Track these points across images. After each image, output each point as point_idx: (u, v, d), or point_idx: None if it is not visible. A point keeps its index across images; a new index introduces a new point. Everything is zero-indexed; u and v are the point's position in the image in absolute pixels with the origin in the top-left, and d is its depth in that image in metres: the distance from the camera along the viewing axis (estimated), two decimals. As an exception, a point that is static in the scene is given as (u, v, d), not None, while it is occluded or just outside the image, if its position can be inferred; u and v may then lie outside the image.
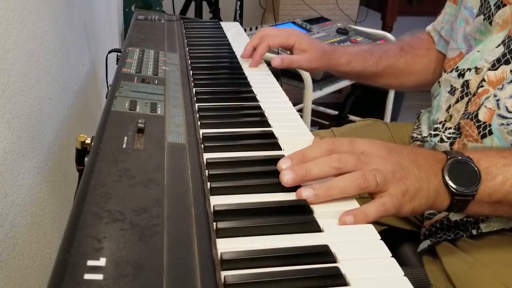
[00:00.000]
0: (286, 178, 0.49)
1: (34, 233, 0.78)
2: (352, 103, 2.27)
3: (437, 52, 0.92)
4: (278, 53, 0.97)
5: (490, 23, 0.72)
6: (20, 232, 0.71)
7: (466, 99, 0.72)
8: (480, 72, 0.70)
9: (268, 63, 0.92)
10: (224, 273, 0.38)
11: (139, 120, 0.56)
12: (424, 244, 0.72)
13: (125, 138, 0.53)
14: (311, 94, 1.76)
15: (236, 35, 1.12)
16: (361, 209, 0.48)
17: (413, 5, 2.51)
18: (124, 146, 0.52)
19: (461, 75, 0.75)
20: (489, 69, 0.68)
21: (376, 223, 0.48)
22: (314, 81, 1.79)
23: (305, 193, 0.49)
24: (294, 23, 2.02)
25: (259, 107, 0.72)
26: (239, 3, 2.17)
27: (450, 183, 0.52)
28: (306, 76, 1.72)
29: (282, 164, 0.51)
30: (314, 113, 2.21)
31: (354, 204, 0.49)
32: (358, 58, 0.93)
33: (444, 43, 0.90)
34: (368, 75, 0.96)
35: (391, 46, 0.98)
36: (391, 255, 0.43)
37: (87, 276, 0.34)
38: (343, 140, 0.54)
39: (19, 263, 0.71)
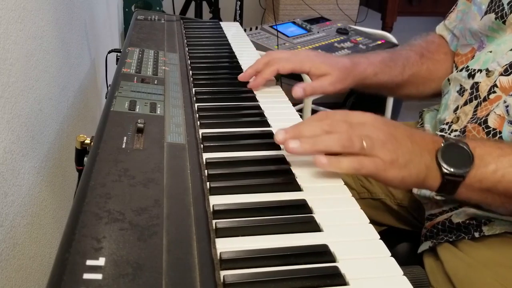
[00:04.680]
0: (280, 137, 0.53)
1: (34, 233, 0.78)
2: (352, 103, 2.27)
3: (453, 56, 0.88)
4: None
5: (504, 22, 0.70)
6: (20, 232, 0.72)
7: (475, 102, 0.70)
8: (492, 75, 0.69)
9: None
10: (223, 273, 0.38)
11: (139, 120, 0.56)
12: (425, 246, 0.71)
13: (125, 138, 0.53)
14: (311, 94, 1.76)
15: (236, 35, 1.12)
16: (337, 158, 0.52)
17: (413, 5, 2.50)
18: (123, 146, 0.52)
19: (471, 75, 0.73)
20: (502, 74, 0.67)
21: (376, 223, 0.48)
22: (314, 81, 1.78)
23: (292, 144, 0.52)
24: (294, 23, 2.02)
25: (258, 107, 0.72)
26: (239, 3, 2.17)
27: (442, 162, 0.54)
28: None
29: (279, 129, 0.56)
30: (314, 113, 2.20)
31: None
32: (384, 68, 0.86)
33: (457, 43, 0.87)
34: (393, 86, 0.88)
35: (410, 53, 0.90)
36: (390, 254, 0.43)
37: (86, 276, 0.34)
38: (337, 111, 0.57)
39: (19, 263, 0.71)
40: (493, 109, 0.66)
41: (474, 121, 0.68)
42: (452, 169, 0.54)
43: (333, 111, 0.57)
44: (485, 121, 0.66)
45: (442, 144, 0.55)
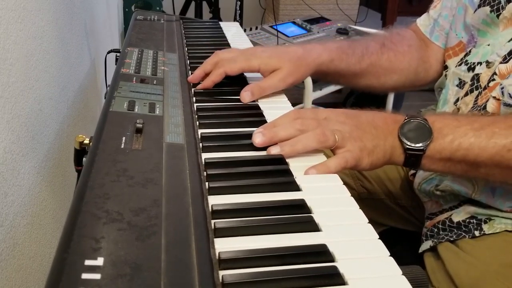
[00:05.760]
0: (258, 140, 0.58)
1: (34, 233, 0.78)
2: (352, 103, 2.28)
3: (418, 50, 0.87)
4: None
5: (498, 16, 0.70)
6: (20, 232, 0.72)
7: (476, 92, 0.70)
8: (492, 66, 0.69)
9: None
10: (222, 273, 0.38)
11: (138, 120, 0.56)
12: (426, 245, 0.71)
13: (124, 138, 0.53)
14: (311, 94, 1.77)
15: (236, 35, 1.12)
16: (323, 162, 0.56)
17: (413, 5, 2.50)
18: (122, 146, 0.52)
19: (471, 68, 0.73)
20: (501, 63, 0.67)
21: (376, 223, 0.48)
22: (314, 81, 1.79)
23: (274, 150, 0.57)
24: (294, 23, 2.02)
25: (258, 107, 0.72)
26: (239, 3, 2.17)
27: (403, 139, 0.59)
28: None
29: (256, 130, 0.59)
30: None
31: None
32: (341, 55, 0.82)
33: (439, 33, 0.86)
34: (351, 74, 0.85)
35: (370, 42, 0.87)
36: (389, 254, 0.43)
37: (85, 276, 0.34)
38: (307, 110, 0.63)
39: (19, 263, 0.71)
40: (491, 94, 0.66)
41: (475, 109, 0.68)
42: (412, 144, 0.59)
43: (302, 109, 0.62)
44: (484, 107, 0.66)
45: (403, 122, 0.60)
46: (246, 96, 0.73)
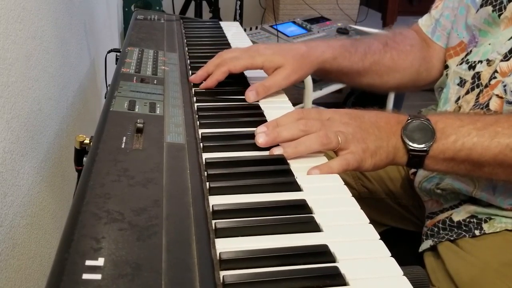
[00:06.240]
0: (261, 140, 0.58)
1: (34, 233, 0.78)
2: (352, 103, 2.27)
3: (420, 50, 0.87)
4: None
5: (499, 16, 0.71)
6: (19, 232, 0.71)
7: (477, 90, 0.71)
8: (492, 64, 0.69)
9: None
10: (223, 273, 0.38)
11: (138, 120, 0.56)
12: (426, 244, 0.71)
13: (124, 138, 0.53)
14: (311, 94, 1.77)
15: (236, 35, 1.12)
16: (326, 163, 0.56)
17: (414, 4, 2.50)
18: (123, 146, 0.51)
19: (471, 67, 0.73)
20: (501, 61, 0.68)
21: (376, 223, 0.48)
22: (314, 81, 1.79)
23: (276, 151, 0.57)
24: (294, 23, 2.02)
25: (258, 107, 0.71)
26: (239, 3, 2.17)
27: (406, 140, 0.59)
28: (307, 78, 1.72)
29: (258, 130, 0.59)
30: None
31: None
32: (344, 53, 0.81)
33: (440, 33, 0.86)
34: (353, 73, 0.84)
35: (373, 41, 0.87)
36: (390, 255, 0.43)
37: (86, 276, 0.34)
38: (311, 110, 0.62)
39: (19, 263, 0.71)
40: (493, 92, 0.66)
41: (477, 107, 0.69)
42: (415, 145, 0.59)
43: (306, 109, 0.62)
44: (487, 105, 0.66)
45: (406, 122, 0.59)
46: (251, 95, 0.73)
